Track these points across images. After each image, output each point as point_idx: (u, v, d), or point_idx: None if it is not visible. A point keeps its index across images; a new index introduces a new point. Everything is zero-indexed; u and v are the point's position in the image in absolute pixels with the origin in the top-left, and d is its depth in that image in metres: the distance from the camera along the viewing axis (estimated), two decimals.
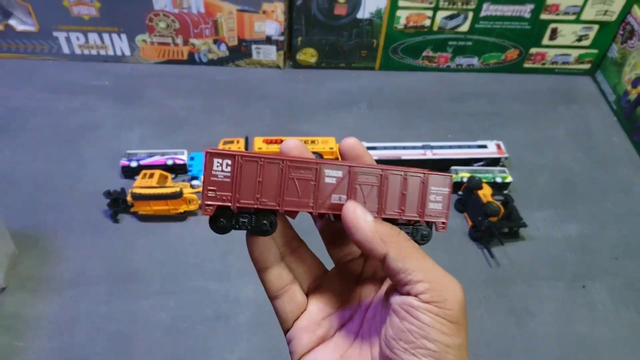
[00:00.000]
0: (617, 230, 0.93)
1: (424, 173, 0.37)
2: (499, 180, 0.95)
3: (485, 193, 0.90)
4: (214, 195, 0.34)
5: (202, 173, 0.34)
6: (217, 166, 0.34)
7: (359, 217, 0.33)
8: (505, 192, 0.96)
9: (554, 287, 0.85)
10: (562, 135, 1.11)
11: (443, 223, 0.38)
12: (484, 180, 0.93)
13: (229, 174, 0.34)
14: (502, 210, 0.88)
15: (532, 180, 1.00)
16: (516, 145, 1.04)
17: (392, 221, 0.36)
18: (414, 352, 0.31)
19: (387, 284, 0.38)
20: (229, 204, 0.34)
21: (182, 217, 0.88)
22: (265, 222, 0.35)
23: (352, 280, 0.40)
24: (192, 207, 0.87)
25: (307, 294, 0.40)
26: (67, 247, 0.84)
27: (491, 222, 0.87)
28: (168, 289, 0.80)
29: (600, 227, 0.94)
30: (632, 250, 0.91)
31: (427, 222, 0.38)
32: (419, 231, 0.37)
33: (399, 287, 0.33)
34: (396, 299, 0.33)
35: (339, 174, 0.36)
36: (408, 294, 0.32)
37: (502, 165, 1.00)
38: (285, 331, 0.39)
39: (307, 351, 0.38)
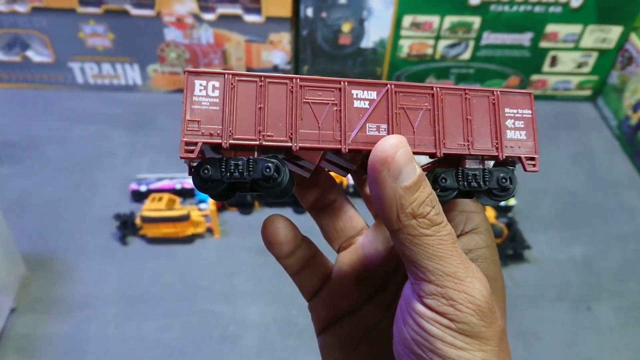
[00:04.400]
0: (622, 252, 0.94)
1: (492, 90, 0.28)
2: (502, 203, 0.96)
3: (489, 215, 0.92)
4: (197, 129, 0.25)
5: (182, 102, 0.25)
6: (201, 90, 0.25)
7: (391, 171, 0.24)
8: (509, 214, 0.97)
9: (559, 309, 0.85)
10: (565, 159, 1.12)
11: (532, 159, 0.28)
12: None
13: (217, 100, 0.25)
14: (506, 232, 0.89)
15: (535, 203, 1.01)
16: (519, 169, 1.06)
17: (458, 159, 0.28)
18: None
19: None
20: (219, 141, 0.25)
21: (190, 239, 0.89)
22: (268, 165, 0.25)
23: (390, 242, 0.33)
24: (199, 230, 0.89)
25: (339, 252, 0.34)
26: (77, 270, 0.85)
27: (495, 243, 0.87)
28: (175, 311, 0.81)
29: (604, 249, 0.94)
30: (637, 271, 0.91)
31: (509, 160, 0.28)
32: (493, 175, 0.28)
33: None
34: (404, 293, 0.27)
35: (373, 95, 0.27)
36: (413, 289, 0.26)
37: None
38: (308, 300, 0.34)
39: (327, 325, 0.33)
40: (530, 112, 0.28)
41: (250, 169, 0.25)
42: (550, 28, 1.13)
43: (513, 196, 0.28)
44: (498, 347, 0.26)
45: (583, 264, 0.92)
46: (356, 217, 0.34)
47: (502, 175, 0.27)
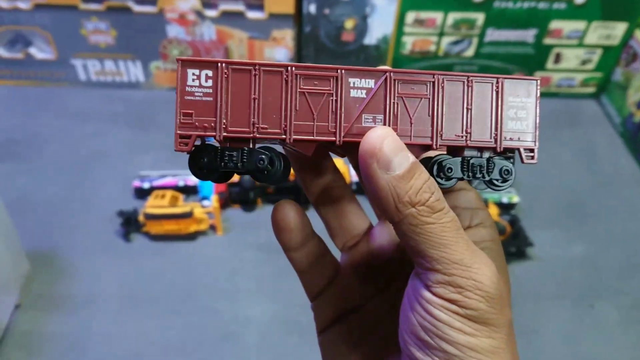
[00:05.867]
0: (625, 250, 0.93)
1: (497, 77, 0.27)
2: (505, 200, 0.96)
3: (492, 212, 0.91)
4: (190, 121, 0.25)
5: (175, 93, 0.25)
6: (194, 80, 0.25)
7: (380, 162, 0.24)
8: (512, 212, 0.97)
9: (561, 306, 0.85)
10: (568, 157, 1.12)
11: (531, 150, 0.27)
12: (491, 200, 0.94)
13: (210, 91, 0.25)
14: (509, 229, 0.89)
15: (538, 201, 1.01)
16: (522, 166, 1.05)
17: (456, 150, 0.27)
18: (428, 352, 0.25)
19: None
20: (213, 134, 0.25)
21: (192, 236, 0.89)
22: (262, 157, 0.25)
23: (395, 239, 0.32)
24: (202, 227, 0.89)
25: (343, 250, 0.33)
26: (80, 267, 0.86)
27: None
28: (177, 308, 0.81)
29: (607, 247, 0.94)
30: (639, 269, 0.91)
31: (507, 151, 0.27)
32: (496, 166, 0.27)
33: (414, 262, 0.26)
34: (411, 282, 0.27)
35: (371, 83, 0.26)
36: (420, 279, 0.26)
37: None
38: (312, 299, 0.33)
39: (330, 324, 0.32)
40: (533, 100, 0.27)
41: (245, 160, 0.25)
42: (554, 24, 1.13)
43: (512, 181, 0.28)
44: (507, 337, 0.26)
45: (586, 261, 0.91)
46: (362, 215, 0.34)
47: (504, 167, 0.27)
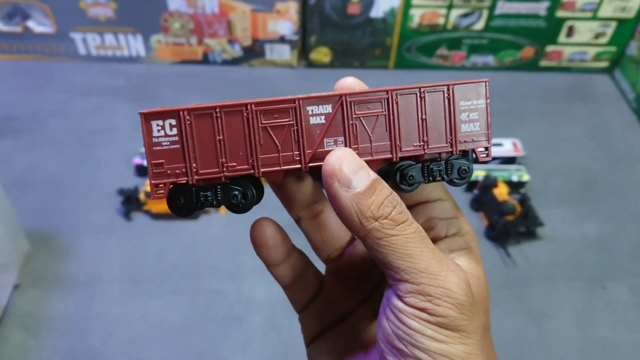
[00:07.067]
0: (638, 230, 0.91)
1: (447, 85, 0.28)
2: (515, 178, 0.93)
3: (501, 191, 0.89)
4: (162, 170, 0.26)
5: (143, 145, 0.27)
6: (159, 130, 0.26)
7: (341, 181, 0.25)
8: (522, 190, 0.94)
9: (573, 287, 0.83)
10: (580, 133, 1.09)
11: (485, 149, 0.29)
12: (500, 179, 0.92)
13: (176, 139, 0.26)
14: (519, 208, 0.87)
15: (549, 179, 0.99)
16: (533, 143, 1.03)
17: (417, 158, 0.29)
18: None
19: None
20: (185, 179, 0.27)
21: (195, 215, 0.88)
22: (235, 193, 0.27)
23: None
24: None
25: (326, 263, 0.34)
26: (81, 246, 0.84)
27: (507, 220, 0.85)
28: (180, 289, 0.80)
29: (620, 227, 0.92)
30: None
31: (464, 152, 0.29)
32: (454, 167, 0.29)
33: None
34: (386, 292, 0.28)
35: (328, 109, 0.27)
36: (393, 289, 0.27)
37: (519, 164, 0.98)
38: (298, 312, 0.35)
39: (317, 334, 0.34)
40: (483, 102, 0.28)
41: (219, 197, 0.27)
42: None
43: (470, 178, 0.29)
44: (481, 342, 0.26)
45: (598, 241, 0.89)
46: (343, 227, 0.34)
47: (461, 166, 0.29)
